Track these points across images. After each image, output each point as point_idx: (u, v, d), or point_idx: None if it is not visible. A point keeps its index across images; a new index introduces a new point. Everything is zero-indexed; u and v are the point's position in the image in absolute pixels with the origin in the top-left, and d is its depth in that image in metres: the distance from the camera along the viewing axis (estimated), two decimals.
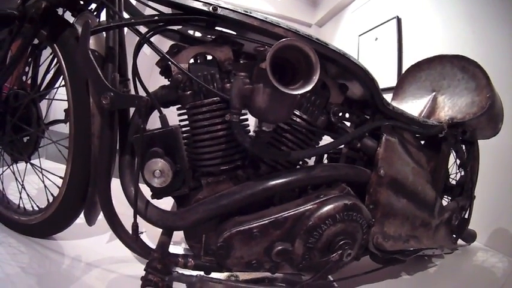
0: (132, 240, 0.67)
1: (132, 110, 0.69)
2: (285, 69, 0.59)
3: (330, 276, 0.80)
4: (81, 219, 0.86)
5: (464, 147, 1.11)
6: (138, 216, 0.64)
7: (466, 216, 1.12)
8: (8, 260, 0.77)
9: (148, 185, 0.61)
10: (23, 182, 0.86)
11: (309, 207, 0.64)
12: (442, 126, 0.92)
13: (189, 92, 0.64)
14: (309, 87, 0.53)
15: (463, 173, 1.16)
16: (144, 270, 0.62)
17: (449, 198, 1.14)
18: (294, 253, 0.64)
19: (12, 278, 0.70)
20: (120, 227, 0.68)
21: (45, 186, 0.84)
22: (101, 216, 0.81)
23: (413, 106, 1.06)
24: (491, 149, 1.23)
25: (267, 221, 0.62)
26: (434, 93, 1.06)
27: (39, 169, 0.84)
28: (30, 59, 0.81)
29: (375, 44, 2.54)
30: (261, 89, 0.55)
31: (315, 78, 0.53)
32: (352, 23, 3.03)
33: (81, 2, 0.73)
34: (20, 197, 0.89)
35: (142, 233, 0.67)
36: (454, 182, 1.19)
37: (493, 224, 1.43)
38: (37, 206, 0.86)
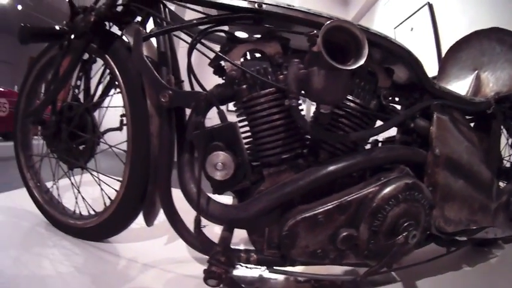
0: (193, 237, 0.70)
1: (188, 111, 0.72)
2: (334, 53, 0.61)
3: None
4: (137, 224, 0.90)
5: None
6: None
7: None
8: (61, 260, 0.81)
9: (210, 179, 0.64)
10: (79, 187, 0.91)
11: (371, 190, 0.65)
12: (489, 102, 0.92)
13: (244, 86, 0.67)
14: (361, 62, 0.55)
15: None
16: (208, 262, 0.64)
17: (506, 182, 1.11)
18: (359, 239, 0.64)
19: (64, 276, 0.74)
20: (181, 224, 0.71)
21: (101, 189, 0.90)
22: (158, 220, 0.85)
23: (458, 87, 1.06)
24: None
25: (331, 206, 0.63)
26: (476, 71, 1.05)
27: (96, 174, 0.89)
28: (81, 73, 0.87)
29: (411, 35, 2.55)
30: (316, 71, 0.58)
31: (365, 53, 0.56)
32: (385, 16, 3.07)
33: (128, 15, 0.78)
34: (76, 202, 0.95)
35: (204, 226, 0.68)
36: (508, 165, 1.16)
37: None
38: (93, 210, 0.92)
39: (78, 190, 0.92)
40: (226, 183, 0.64)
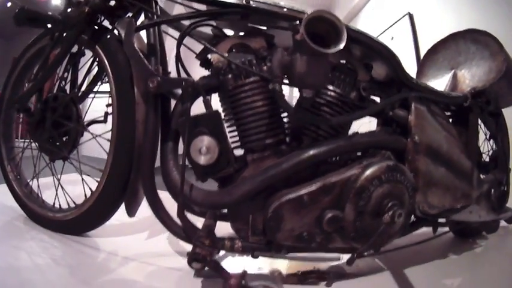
0: (175, 224, 0.71)
1: (173, 103, 0.75)
2: (316, 42, 0.65)
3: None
4: (117, 220, 0.90)
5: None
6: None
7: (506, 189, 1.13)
8: (38, 253, 0.81)
9: (194, 165, 0.66)
10: (59, 179, 0.92)
11: (354, 172, 0.68)
12: (465, 95, 0.98)
13: (230, 76, 0.71)
14: (340, 46, 0.60)
15: (494, 148, 1.19)
16: (192, 243, 0.65)
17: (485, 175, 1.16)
18: (345, 220, 0.66)
19: (41, 267, 0.74)
20: (163, 211, 0.72)
21: (82, 179, 0.90)
22: (139, 216, 0.86)
23: (436, 85, 1.13)
24: None
25: (315, 187, 0.66)
26: (453, 70, 1.12)
27: (78, 165, 0.90)
28: (69, 66, 0.90)
29: (392, 44, 2.66)
30: (298, 56, 0.62)
31: (344, 38, 0.60)
32: (367, 26, 3.20)
33: (120, 10, 0.82)
34: (56, 195, 0.96)
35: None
36: (487, 160, 1.22)
37: None
38: (74, 203, 0.92)
39: (58, 181, 0.93)
40: (210, 169, 0.66)
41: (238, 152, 0.75)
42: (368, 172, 0.67)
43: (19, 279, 0.68)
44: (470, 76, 1.07)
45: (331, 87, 0.76)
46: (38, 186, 1.01)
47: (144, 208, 0.84)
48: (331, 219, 0.66)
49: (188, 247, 0.68)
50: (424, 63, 1.22)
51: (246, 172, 0.71)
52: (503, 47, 1.01)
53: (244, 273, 0.65)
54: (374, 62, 0.84)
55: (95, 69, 0.95)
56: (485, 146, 1.21)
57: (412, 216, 0.82)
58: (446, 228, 1.09)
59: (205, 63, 0.80)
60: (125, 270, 0.78)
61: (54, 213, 0.92)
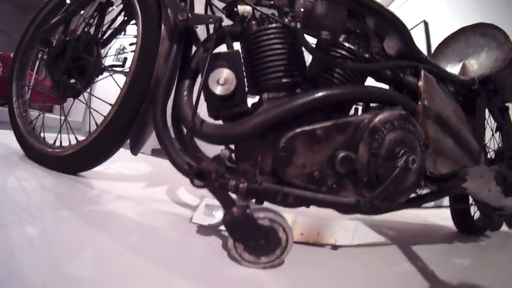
0: (179, 156, 0.70)
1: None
2: None
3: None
4: (116, 171, 0.88)
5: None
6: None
7: None
8: (28, 179, 0.82)
9: (211, 97, 0.67)
10: (66, 116, 0.94)
11: (367, 116, 0.70)
12: (473, 78, 1.02)
13: (254, 22, 0.75)
14: None
15: (500, 145, 1.21)
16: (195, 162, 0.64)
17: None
18: (358, 162, 0.67)
19: (28, 191, 0.74)
20: (169, 141, 0.72)
21: (90, 112, 0.92)
22: (138, 171, 0.87)
23: None
24: None
25: (329, 124, 0.67)
26: (462, 62, 1.17)
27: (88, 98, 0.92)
28: (96, 13, 0.96)
29: None
30: (319, 2, 0.67)
31: None
32: None
33: None
34: (60, 131, 0.98)
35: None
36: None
37: None
38: (76, 140, 0.93)
39: (65, 118, 0.95)
40: (225, 101, 0.68)
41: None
42: (381, 115, 0.69)
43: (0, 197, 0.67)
44: (478, 65, 1.12)
45: (346, 44, 0.80)
46: (43, 123, 1.03)
47: (147, 165, 0.86)
48: (345, 158, 0.66)
49: (189, 200, 0.67)
50: (435, 56, 1.28)
51: (260, 109, 0.72)
52: (509, 38, 1.08)
53: (248, 204, 0.64)
54: (387, 34, 0.88)
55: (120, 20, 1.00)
56: (491, 144, 1.24)
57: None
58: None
59: (231, 14, 0.84)
60: (116, 205, 0.79)
61: (53, 149, 0.92)
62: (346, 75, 0.76)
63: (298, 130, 0.67)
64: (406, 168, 0.66)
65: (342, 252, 0.79)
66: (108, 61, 1.06)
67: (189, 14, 0.74)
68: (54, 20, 0.97)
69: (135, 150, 0.86)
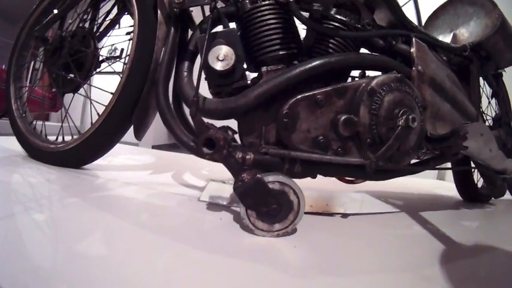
0: (183, 132, 0.73)
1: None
2: None
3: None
4: (119, 163, 0.89)
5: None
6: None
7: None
8: (33, 175, 0.83)
9: (211, 73, 0.70)
10: (67, 110, 0.95)
11: (364, 80, 0.73)
12: (464, 45, 1.04)
13: (247, 1, 0.78)
14: None
15: (497, 111, 1.24)
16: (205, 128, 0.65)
17: None
18: (360, 123, 0.69)
19: (34, 184, 0.75)
20: (173, 119, 0.74)
21: (91, 102, 0.93)
22: (142, 161, 0.88)
23: None
24: None
25: (329, 88, 0.70)
26: (453, 32, 1.20)
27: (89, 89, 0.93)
28: (89, 9, 0.98)
29: None
30: None
31: None
32: None
33: None
34: (61, 126, 0.99)
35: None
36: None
37: None
38: (79, 133, 0.95)
39: (66, 112, 0.97)
40: (226, 77, 0.71)
41: None
42: (377, 79, 0.72)
43: (6, 191, 0.69)
44: (469, 34, 1.15)
45: (338, 16, 0.82)
46: (44, 124, 1.04)
47: (150, 156, 0.87)
48: (347, 120, 0.69)
49: (195, 182, 0.69)
50: (426, 28, 1.31)
51: (260, 82, 0.74)
52: (496, 5, 1.11)
53: (256, 171, 0.65)
54: (376, 6, 0.91)
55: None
56: (488, 111, 1.26)
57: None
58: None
59: None
60: (124, 190, 0.80)
61: (56, 145, 0.94)
62: (340, 45, 0.79)
63: (299, 96, 0.69)
64: (407, 126, 0.69)
65: (352, 220, 0.81)
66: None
67: None
68: (48, 17, 1.00)
69: (139, 135, 0.89)
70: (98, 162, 0.98)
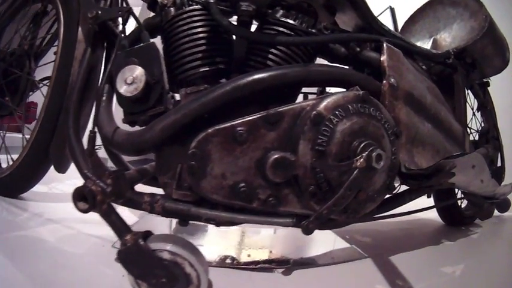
0: (85, 165, 0.46)
1: None
2: None
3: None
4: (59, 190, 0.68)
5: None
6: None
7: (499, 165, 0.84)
8: None
9: (120, 100, 0.45)
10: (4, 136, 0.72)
11: (309, 102, 0.42)
12: (447, 51, 0.73)
13: (172, 8, 0.51)
14: None
15: (483, 125, 0.92)
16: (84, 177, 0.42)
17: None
18: (298, 165, 0.39)
19: None
20: (81, 155, 0.47)
21: (22, 131, 0.71)
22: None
23: None
24: None
25: (256, 117, 0.40)
26: (432, 38, 0.88)
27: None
28: (31, 25, 0.77)
29: None
30: None
31: None
32: None
33: None
34: None
35: (100, 147, 0.50)
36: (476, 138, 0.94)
37: None
38: (12, 160, 0.73)
39: (3, 139, 0.75)
40: (137, 103, 0.45)
41: None
42: (329, 99, 0.41)
43: None
44: (451, 38, 0.83)
45: (283, 19, 0.52)
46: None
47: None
48: (278, 161, 0.39)
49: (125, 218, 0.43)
50: (402, 35, 0.98)
51: (171, 110, 0.46)
52: (483, 5, 0.78)
53: (148, 233, 0.39)
54: (339, 7, 0.60)
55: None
56: (473, 124, 0.94)
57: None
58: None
59: (152, 5, 0.59)
60: (41, 230, 0.62)
61: None
62: (285, 56, 0.48)
63: (210, 130, 0.39)
64: (369, 168, 0.38)
65: (299, 277, 0.51)
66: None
67: (99, 11, 0.53)
68: None
69: (59, 168, 0.64)
70: (39, 189, 0.75)
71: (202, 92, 0.44)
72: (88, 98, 0.58)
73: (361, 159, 0.38)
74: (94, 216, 0.72)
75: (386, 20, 2.13)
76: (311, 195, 0.40)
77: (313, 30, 0.53)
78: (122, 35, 0.51)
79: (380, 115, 0.45)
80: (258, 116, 0.40)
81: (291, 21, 0.51)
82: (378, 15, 2.32)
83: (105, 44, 0.59)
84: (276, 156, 0.39)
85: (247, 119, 0.40)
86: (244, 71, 0.47)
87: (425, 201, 0.66)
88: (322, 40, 0.50)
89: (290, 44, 0.47)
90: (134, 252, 0.37)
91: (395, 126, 0.47)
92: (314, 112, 0.40)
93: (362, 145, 0.40)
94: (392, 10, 2.10)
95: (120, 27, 0.58)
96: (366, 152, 0.38)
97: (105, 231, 0.63)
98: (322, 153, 0.39)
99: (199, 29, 0.48)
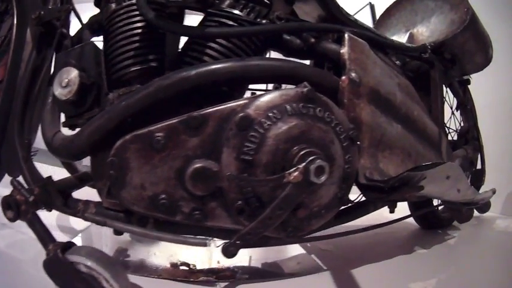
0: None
1: None
2: None
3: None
4: None
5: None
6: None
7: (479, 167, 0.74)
8: None
9: (57, 102, 0.42)
10: None
11: (240, 103, 0.33)
12: (424, 45, 0.62)
13: (113, 4, 0.44)
14: None
15: (462, 125, 0.82)
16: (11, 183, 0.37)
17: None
18: (222, 176, 0.30)
19: None
20: (26, 164, 0.41)
21: None
22: None
23: None
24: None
25: (176, 121, 0.31)
26: (409, 32, 0.77)
27: None
28: None
29: None
30: None
31: None
32: None
33: None
34: None
35: (35, 153, 0.47)
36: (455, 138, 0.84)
37: (507, 189, 1.02)
38: None
39: None
40: (73, 106, 0.39)
41: None
42: (262, 99, 0.32)
43: None
44: (429, 32, 0.72)
45: (227, 9, 0.42)
46: None
47: None
48: (198, 171, 0.30)
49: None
50: (377, 29, 0.87)
51: (99, 113, 0.38)
52: None
53: (70, 243, 0.34)
54: None
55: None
56: (451, 124, 0.84)
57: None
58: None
59: (98, 0, 0.51)
60: None
61: None
62: (224, 50, 0.39)
63: (128, 136, 0.31)
64: (306, 183, 0.30)
65: None
66: None
67: (42, 11, 0.46)
68: None
69: (12, 172, 0.56)
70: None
71: (128, 94, 0.36)
72: (34, 102, 0.51)
73: (296, 173, 0.29)
74: (51, 218, 0.65)
75: (365, 17, 1.99)
76: (238, 211, 0.32)
77: (264, 21, 0.44)
78: (66, 36, 0.46)
79: (330, 116, 0.35)
80: (178, 120, 0.31)
81: (236, 12, 0.42)
82: (358, 12, 2.18)
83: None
84: (196, 166, 0.30)
85: (166, 123, 0.31)
86: (180, 68, 0.39)
87: (400, 206, 0.57)
88: (262, 30, 0.40)
89: (223, 35, 0.38)
90: (55, 263, 0.33)
91: (351, 129, 0.38)
92: (241, 114, 0.31)
93: (300, 154, 0.31)
94: (372, 6, 1.96)
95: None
96: (303, 164, 0.30)
97: (58, 235, 0.56)
98: (249, 164, 0.30)
99: (134, 25, 0.41)
